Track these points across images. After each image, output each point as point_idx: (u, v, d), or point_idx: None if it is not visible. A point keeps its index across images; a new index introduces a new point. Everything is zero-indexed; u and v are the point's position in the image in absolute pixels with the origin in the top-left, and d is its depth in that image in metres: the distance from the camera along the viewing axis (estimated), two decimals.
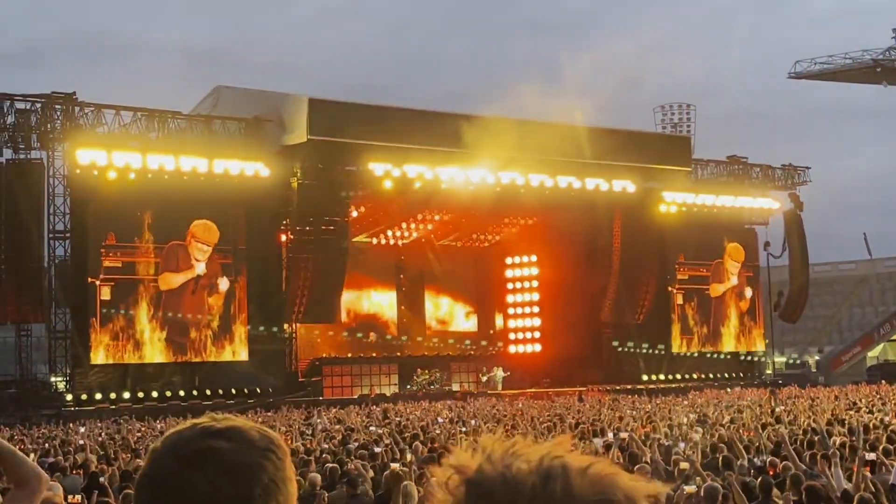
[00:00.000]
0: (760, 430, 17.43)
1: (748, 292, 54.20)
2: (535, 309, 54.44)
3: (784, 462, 11.94)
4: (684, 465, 11.61)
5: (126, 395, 37.38)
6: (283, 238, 41.96)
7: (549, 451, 1.29)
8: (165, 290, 39.13)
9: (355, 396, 41.48)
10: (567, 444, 1.32)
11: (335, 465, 13.13)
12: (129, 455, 16.95)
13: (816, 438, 14.63)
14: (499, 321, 55.68)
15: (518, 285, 55.39)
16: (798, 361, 64.55)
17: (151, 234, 38.99)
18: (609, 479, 1.27)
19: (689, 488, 8.70)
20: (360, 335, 50.41)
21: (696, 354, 51.28)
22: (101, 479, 12.49)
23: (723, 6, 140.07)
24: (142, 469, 1.71)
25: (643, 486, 1.28)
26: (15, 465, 3.26)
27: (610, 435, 17.59)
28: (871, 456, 11.78)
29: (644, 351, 49.20)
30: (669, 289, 51.21)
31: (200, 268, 40.03)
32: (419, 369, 46.46)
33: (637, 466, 11.52)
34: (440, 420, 24.33)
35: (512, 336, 54.92)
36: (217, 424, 1.71)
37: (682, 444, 15.05)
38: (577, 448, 1.33)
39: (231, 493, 1.64)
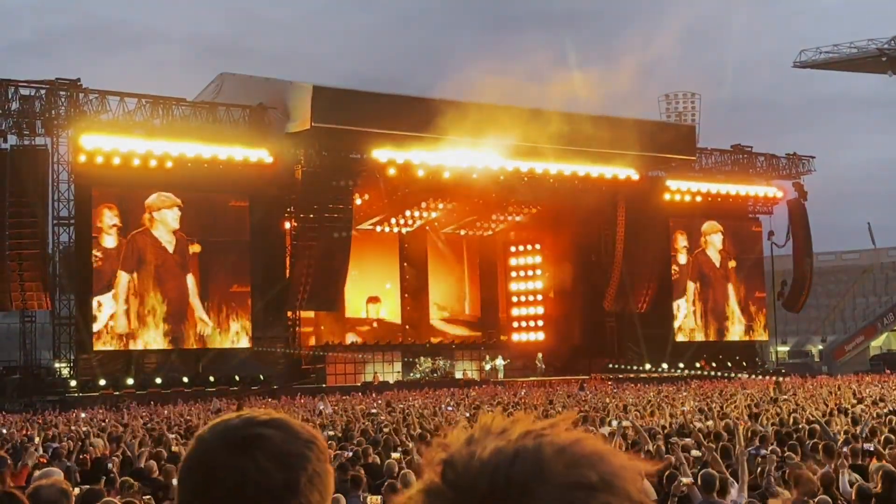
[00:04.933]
0: (763, 419, 17.44)
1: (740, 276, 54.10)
2: (539, 297, 54.43)
3: (787, 452, 11.96)
4: (696, 452, 11.57)
5: (129, 381, 37.45)
6: (287, 225, 41.93)
7: (535, 429, 1.22)
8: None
9: (358, 384, 41.53)
10: (569, 420, 1.24)
11: (338, 452, 13.10)
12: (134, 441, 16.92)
13: (818, 428, 14.64)
14: (502, 309, 55.64)
15: (521, 273, 55.36)
16: (803, 350, 64.60)
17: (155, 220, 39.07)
18: (588, 459, 1.18)
19: (687, 480, 8.71)
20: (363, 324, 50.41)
21: (699, 343, 51.26)
22: (109, 465, 12.50)
23: None
24: (187, 455, 1.72)
25: (627, 467, 1.19)
26: None
27: (614, 423, 17.61)
28: (868, 446, 11.81)
29: (647, 339, 49.13)
30: (673, 277, 51.21)
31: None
32: (422, 357, 46.50)
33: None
34: (448, 408, 24.25)
35: (515, 324, 54.91)
36: (263, 415, 1.74)
37: (685, 434, 15.05)
38: (579, 426, 1.25)
39: (279, 480, 1.65)
